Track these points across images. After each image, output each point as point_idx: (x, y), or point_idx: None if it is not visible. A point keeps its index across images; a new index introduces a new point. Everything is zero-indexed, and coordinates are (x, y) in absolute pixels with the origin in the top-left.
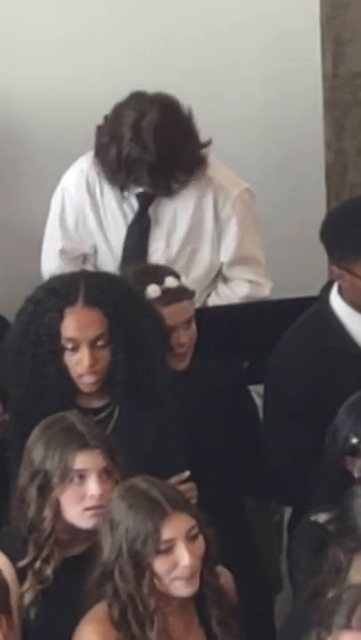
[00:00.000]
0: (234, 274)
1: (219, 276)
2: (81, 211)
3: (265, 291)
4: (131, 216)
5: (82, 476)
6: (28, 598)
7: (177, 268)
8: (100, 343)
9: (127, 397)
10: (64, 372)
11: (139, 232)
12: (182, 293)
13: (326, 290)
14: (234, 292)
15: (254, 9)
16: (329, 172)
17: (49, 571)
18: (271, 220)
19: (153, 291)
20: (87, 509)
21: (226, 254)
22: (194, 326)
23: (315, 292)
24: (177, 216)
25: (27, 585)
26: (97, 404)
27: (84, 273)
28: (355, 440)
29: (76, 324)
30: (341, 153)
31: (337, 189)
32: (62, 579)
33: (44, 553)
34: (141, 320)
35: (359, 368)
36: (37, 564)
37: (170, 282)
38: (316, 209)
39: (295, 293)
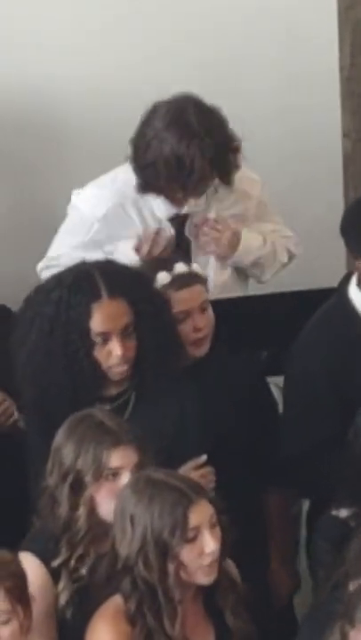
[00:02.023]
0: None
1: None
2: (107, 243)
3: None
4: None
5: (115, 473)
6: (63, 598)
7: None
8: (128, 331)
9: (151, 382)
10: (97, 366)
11: (180, 255)
12: (193, 278)
13: (345, 281)
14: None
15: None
16: (347, 161)
17: (84, 570)
18: (288, 210)
19: (163, 277)
20: None
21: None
22: (210, 312)
23: (332, 282)
24: None
25: (62, 585)
26: (114, 391)
27: (92, 264)
28: None
29: (105, 317)
30: (359, 142)
31: (355, 179)
32: (95, 576)
33: (79, 552)
34: (158, 304)
35: None
36: (72, 563)
37: (179, 267)
38: (334, 199)
39: (312, 284)
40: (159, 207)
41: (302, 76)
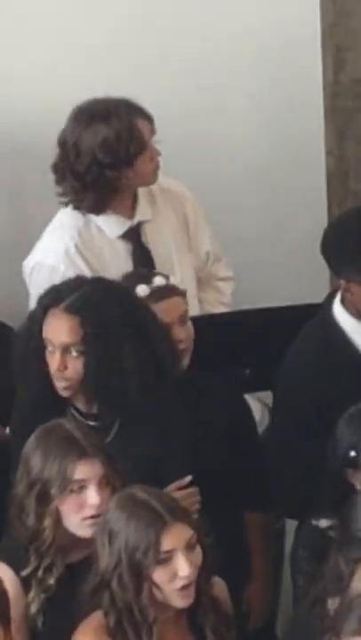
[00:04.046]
0: (217, 272)
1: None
2: None
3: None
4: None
5: (81, 486)
6: (34, 607)
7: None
8: (73, 351)
9: (117, 411)
10: (46, 373)
11: (145, 265)
12: (172, 290)
13: (329, 299)
14: (224, 293)
15: (255, 17)
16: (330, 178)
17: (52, 580)
18: (272, 226)
19: (142, 290)
20: (86, 519)
21: (203, 250)
22: (190, 325)
23: (316, 299)
24: (165, 234)
25: (32, 594)
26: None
27: (90, 280)
28: (353, 453)
29: (51, 325)
30: (343, 160)
31: (339, 196)
32: (65, 585)
33: (46, 562)
34: (132, 340)
35: None
36: (40, 573)
37: (158, 280)
38: (318, 216)
39: (296, 300)
40: (110, 228)
41: (286, 94)
